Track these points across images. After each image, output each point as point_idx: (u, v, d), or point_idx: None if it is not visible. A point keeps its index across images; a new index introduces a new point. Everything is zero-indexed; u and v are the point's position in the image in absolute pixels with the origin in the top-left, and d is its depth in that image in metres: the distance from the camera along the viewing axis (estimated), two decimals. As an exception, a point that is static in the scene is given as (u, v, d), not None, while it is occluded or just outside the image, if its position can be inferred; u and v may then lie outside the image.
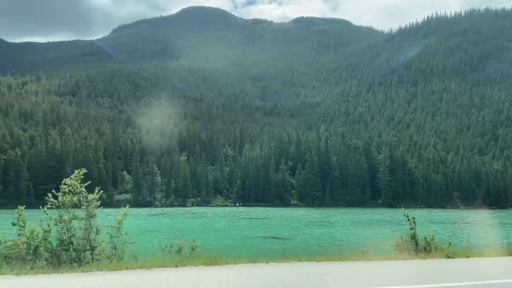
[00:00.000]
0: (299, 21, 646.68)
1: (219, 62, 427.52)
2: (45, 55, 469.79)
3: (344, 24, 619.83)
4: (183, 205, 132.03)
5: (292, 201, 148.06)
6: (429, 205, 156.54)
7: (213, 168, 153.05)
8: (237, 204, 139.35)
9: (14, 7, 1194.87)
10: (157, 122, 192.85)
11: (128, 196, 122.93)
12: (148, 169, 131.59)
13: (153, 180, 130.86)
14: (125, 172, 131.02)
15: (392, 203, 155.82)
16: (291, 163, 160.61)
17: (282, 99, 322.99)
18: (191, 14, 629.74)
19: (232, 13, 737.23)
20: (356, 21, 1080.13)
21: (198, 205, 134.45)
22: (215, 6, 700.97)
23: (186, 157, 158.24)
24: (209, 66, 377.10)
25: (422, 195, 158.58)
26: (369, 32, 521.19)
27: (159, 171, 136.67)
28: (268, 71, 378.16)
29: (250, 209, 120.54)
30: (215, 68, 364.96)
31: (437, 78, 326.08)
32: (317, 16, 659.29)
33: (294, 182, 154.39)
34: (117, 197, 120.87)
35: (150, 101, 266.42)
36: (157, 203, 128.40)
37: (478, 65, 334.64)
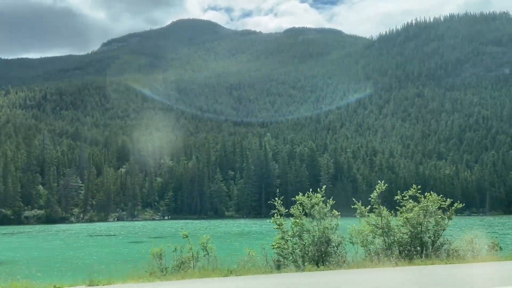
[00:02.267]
0: (290, 31, 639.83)
1: (204, 73, 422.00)
2: (35, 71, 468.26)
3: (334, 33, 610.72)
4: (105, 220, 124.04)
5: (227, 213, 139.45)
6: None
7: (147, 179, 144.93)
8: (166, 217, 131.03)
9: (12, 25, 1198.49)
10: (107, 133, 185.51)
11: (40, 212, 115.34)
12: (67, 182, 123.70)
13: (70, 194, 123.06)
14: (40, 186, 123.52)
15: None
16: (232, 172, 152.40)
17: (256, 108, 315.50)
18: (181, 27, 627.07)
19: (227, 26, 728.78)
20: (351, 31, 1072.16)
21: (121, 219, 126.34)
22: (209, 19, 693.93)
23: (125, 169, 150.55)
24: (187, 77, 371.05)
25: (363, 203, 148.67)
26: (353, 40, 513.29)
27: (83, 185, 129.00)
28: (247, 80, 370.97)
29: (169, 222, 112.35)
30: (191, 79, 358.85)
31: (411, 83, 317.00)
32: (310, 26, 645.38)
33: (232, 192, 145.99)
34: (26, 213, 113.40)
35: (117, 113, 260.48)
36: (72, 219, 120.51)
37: (453, 70, 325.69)
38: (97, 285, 13.67)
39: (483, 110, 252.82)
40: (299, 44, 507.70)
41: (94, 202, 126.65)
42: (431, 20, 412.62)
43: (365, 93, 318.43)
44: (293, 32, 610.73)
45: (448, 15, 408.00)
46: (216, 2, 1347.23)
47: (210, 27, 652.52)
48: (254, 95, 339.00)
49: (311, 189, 21.86)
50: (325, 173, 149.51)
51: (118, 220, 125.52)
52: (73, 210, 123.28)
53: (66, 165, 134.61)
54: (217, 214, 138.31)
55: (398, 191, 22.94)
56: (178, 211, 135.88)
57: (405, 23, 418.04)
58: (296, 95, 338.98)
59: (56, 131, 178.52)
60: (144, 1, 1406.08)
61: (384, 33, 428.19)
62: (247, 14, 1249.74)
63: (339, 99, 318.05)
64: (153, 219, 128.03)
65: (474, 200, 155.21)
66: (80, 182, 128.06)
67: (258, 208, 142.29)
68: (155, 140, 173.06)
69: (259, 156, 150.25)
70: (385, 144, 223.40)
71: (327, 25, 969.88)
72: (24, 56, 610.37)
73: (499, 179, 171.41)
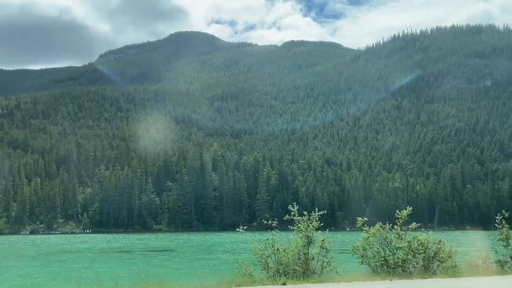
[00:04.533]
0: (287, 44, 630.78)
1: (195, 84, 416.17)
2: (32, 81, 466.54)
3: (330, 46, 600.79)
4: (17, 233, 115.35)
5: (155, 226, 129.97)
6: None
7: (81, 191, 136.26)
8: (87, 230, 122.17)
9: (18, 37, 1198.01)
10: (54, 142, 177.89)
11: None
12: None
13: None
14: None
15: (269, 225, 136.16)
16: (171, 183, 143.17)
17: (233, 119, 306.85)
18: (178, 39, 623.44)
19: (231, 39, 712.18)
20: (352, 45, 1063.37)
21: (36, 233, 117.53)
22: (211, 32, 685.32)
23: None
24: (171, 87, 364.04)
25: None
26: (344, 52, 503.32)
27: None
28: (232, 91, 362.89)
29: (77, 237, 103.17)
30: (174, 89, 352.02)
31: (391, 95, 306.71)
32: (311, 40, 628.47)
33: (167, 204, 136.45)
34: None
35: (87, 122, 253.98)
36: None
37: (434, 82, 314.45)
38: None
39: (458, 123, 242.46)
40: (291, 56, 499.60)
41: (8, 214, 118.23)
42: (418, 32, 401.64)
43: (344, 104, 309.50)
44: (289, 45, 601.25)
45: (435, 27, 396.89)
46: (220, 16, 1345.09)
47: (207, 39, 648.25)
48: (234, 106, 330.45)
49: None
50: (264, 185, 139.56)
51: (31, 233, 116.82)
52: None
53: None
54: (145, 227, 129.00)
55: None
56: (103, 224, 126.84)
57: (392, 36, 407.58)
58: (277, 106, 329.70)
59: (5, 140, 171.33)
60: (148, 14, 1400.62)
61: (371, 45, 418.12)
62: (251, 27, 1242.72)
63: (317, 110, 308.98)
64: (72, 233, 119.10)
65: (423, 215, 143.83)
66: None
67: (190, 221, 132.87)
68: (104, 150, 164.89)
69: (195, 167, 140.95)
70: (352, 155, 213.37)
71: (330, 39, 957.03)
72: (27, 67, 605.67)
73: (454, 193, 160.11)
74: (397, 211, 19.03)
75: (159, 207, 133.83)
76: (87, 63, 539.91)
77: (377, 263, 18.02)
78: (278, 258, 16.98)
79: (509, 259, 18.97)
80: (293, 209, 17.95)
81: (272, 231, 18.00)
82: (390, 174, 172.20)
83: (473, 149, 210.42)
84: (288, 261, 16.86)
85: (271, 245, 17.33)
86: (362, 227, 19.52)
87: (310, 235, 17.38)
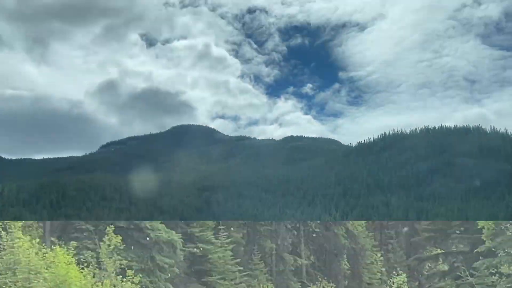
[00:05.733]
0: (286, 138, 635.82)
1: (191, 176, 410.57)
2: (30, 171, 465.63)
3: (328, 142, 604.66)
4: None
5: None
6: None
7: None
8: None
9: (28, 129, 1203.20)
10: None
11: None
12: None
13: None
14: None
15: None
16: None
17: (220, 210, 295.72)
18: (180, 132, 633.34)
19: (234, 133, 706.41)
20: (351, 142, 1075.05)
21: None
22: (213, 127, 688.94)
23: None
24: (163, 178, 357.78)
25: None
26: (338, 147, 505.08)
27: None
28: (224, 183, 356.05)
29: None
30: (166, 180, 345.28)
31: (380, 191, 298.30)
32: (310, 135, 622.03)
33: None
34: None
35: (67, 211, 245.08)
36: None
37: (424, 180, 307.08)
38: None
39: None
40: (287, 150, 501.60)
41: None
42: (407, 131, 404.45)
43: (332, 199, 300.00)
44: (287, 140, 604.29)
45: (423, 127, 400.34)
46: (224, 111, 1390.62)
47: (208, 132, 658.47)
48: (223, 197, 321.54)
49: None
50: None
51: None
52: None
53: None
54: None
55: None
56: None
57: (383, 134, 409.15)
58: (266, 199, 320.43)
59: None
60: (156, 109, 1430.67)
61: (362, 141, 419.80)
62: (253, 122, 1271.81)
63: (306, 204, 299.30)
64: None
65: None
66: None
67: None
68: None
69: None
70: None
71: (330, 136, 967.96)
72: (30, 156, 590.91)
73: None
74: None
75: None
76: (87, 153, 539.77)
77: None
78: None
79: None
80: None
81: None
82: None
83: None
84: None
85: None
86: None
87: None
